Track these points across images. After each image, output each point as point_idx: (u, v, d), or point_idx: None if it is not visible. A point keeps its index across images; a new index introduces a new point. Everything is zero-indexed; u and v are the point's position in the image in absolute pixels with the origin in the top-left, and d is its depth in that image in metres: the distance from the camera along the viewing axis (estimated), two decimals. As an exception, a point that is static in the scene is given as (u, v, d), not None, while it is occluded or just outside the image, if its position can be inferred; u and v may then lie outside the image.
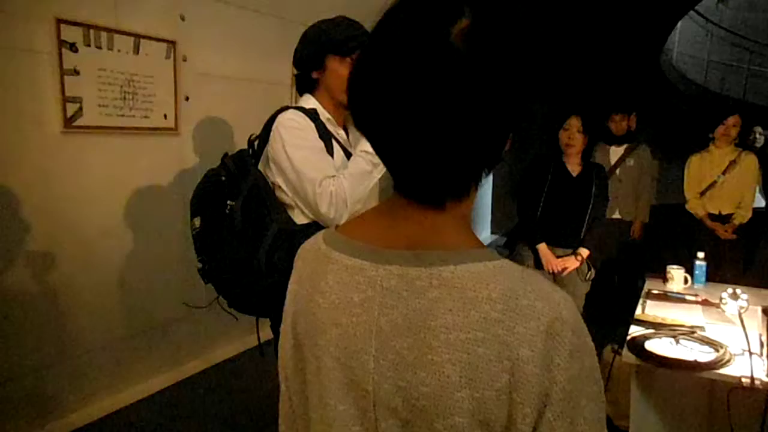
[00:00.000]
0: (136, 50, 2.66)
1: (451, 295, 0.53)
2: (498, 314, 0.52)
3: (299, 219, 1.57)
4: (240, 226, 1.51)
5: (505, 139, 0.58)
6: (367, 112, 0.57)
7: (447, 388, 0.52)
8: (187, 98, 2.95)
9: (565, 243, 2.85)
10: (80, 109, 2.44)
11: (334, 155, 1.59)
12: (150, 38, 2.71)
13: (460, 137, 0.53)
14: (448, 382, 0.52)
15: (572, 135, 2.79)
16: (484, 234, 7.36)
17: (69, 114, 2.40)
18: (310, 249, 0.68)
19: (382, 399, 0.57)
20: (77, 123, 2.44)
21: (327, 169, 1.52)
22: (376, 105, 0.55)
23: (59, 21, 2.31)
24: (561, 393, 0.52)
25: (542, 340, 0.51)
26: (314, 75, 1.64)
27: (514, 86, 0.55)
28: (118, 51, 2.57)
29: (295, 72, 1.70)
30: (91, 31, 2.45)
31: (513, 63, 0.55)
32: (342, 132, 1.70)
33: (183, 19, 2.88)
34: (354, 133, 1.74)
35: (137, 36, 2.65)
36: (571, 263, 2.80)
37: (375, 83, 0.55)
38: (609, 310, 3.15)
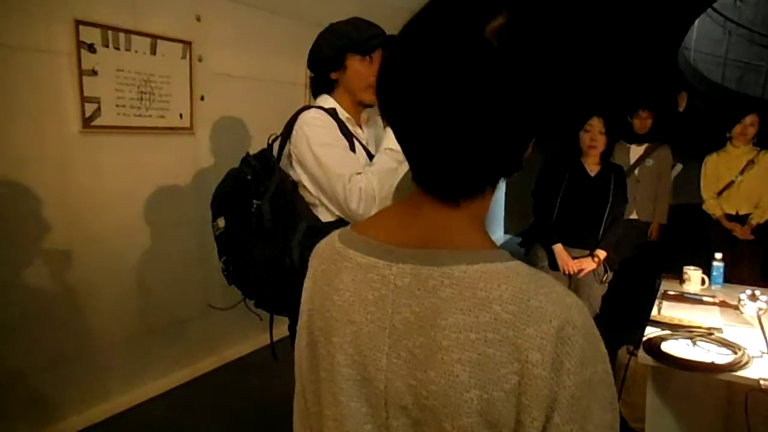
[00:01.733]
0: (153, 51, 2.69)
1: (463, 294, 0.54)
2: (509, 315, 0.52)
3: (323, 216, 1.58)
4: (269, 224, 1.50)
5: (526, 143, 0.58)
6: (395, 102, 0.58)
7: (456, 388, 0.53)
8: (202, 98, 2.98)
9: (582, 244, 2.83)
10: (98, 109, 2.48)
11: (356, 154, 1.59)
12: (166, 39, 2.74)
13: (483, 132, 0.54)
14: (457, 381, 0.53)
15: (594, 136, 2.76)
16: (498, 234, 7.33)
17: (87, 114, 2.44)
18: (325, 247, 0.68)
19: (393, 397, 0.57)
20: (95, 123, 2.48)
21: (354, 166, 1.53)
22: (405, 94, 0.56)
23: (78, 22, 2.35)
24: (570, 398, 0.51)
25: (552, 343, 0.51)
26: (333, 76, 1.64)
27: (543, 88, 0.55)
28: (136, 51, 2.61)
29: (311, 74, 1.70)
30: (109, 32, 2.48)
31: (545, 64, 0.55)
32: (360, 131, 1.70)
33: (199, 19, 2.91)
34: (372, 132, 1.74)
35: (154, 37, 2.68)
36: (588, 264, 2.78)
37: (406, 75, 0.55)
38: (625, 311, 3.12)
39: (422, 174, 0.59)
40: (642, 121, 3.79)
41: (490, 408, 0.52)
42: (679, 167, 4.33)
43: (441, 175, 0.58)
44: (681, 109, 4.36)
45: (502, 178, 0.60)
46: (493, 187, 0.60)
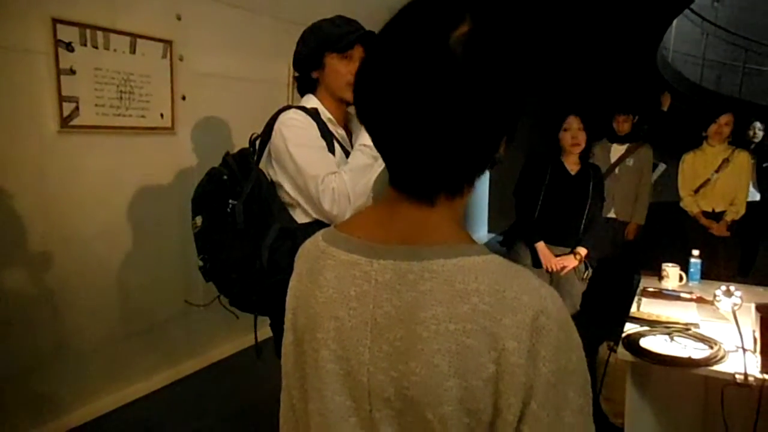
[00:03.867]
0: (133, 50, 2.66)
1: (441, 287, 0.55)
2: (486, 306, 0.54)
3: (300, 218, 1.58)
4: (242, 225, 1.51)
5: (497, 143, 0.60)
6: (369, 107, 0.60)
7: (436, 378, 0.54)
8: (183, 98, 2.95)
9: (563, 242, 2.86)
10: (77, 108, 2.44)
11: (335, 154, 1.59)
12: (146, 38, 2.71)
13: (453, 137, 0.56)
14: (437, 371, 0.54)
15: (575, 134, 2.79)
16: (481, 233, 7.37)
17: (65, 113, 2.40)
18: (309, 247, 0.70)
19: (376, 390, 0.58)
20: (74, 122, 2.44)
21: (329, 167, 1.53)
22: (378, 101, 0.58)
23: (55, 21, 2.31)
24: (546, 385, 0.53)
25: (528, 332, 0.53)
26: (314, 75, 1.65)
27: (507, 92, 0.57)
28: (115, 50, 2.57)
29: (296, 74, 1.70)
30: (87, 31, 2.44)
31: (508, 71, 0.57)
32: (342, 131, 1.70)
33: (179, 18, 2.88)
34: (355, 132, 1.74)
35: (134, 35, 2.65)
36: (570, 262, 2.81)
37: (378, 80, 0.58)
38: (604, 308, 3.16)
39: (397, 175, 0.61)
40: (620, 125, 3.84)
41: (469, 396, 0.54)
42: (662, 167, 4.40)
43: (414, 176, 0.60)
44: (665, 109, 4.43)
45: (478, 177, 0.62)
46: (470, 186, 0.62)
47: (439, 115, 0.54)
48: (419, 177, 0.59)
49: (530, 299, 0.54)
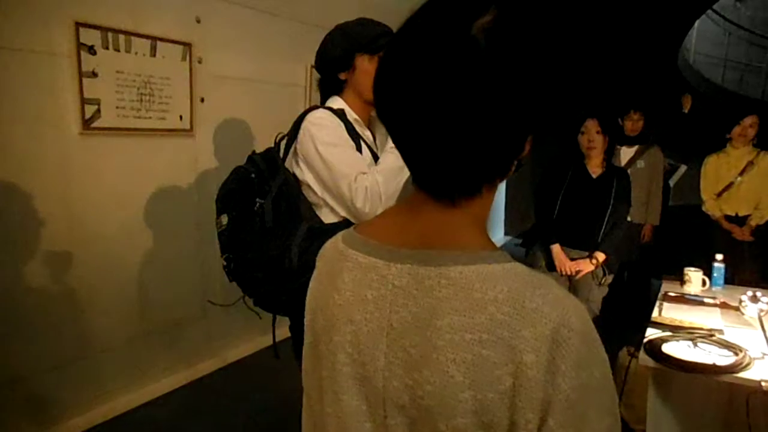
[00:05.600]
0: (153, 52, 2.69)
1: (458, 295, 0.54)
2: (504, 316, 0.52)
3: (327, 218, 1.58)
4: (270, 224, 1.50)
5: (521, 142, 0.58)
6: (389, 103, 0.58)
7: (451, 388, 0.53)
8: (202, 100, 2.98)
9: (581, 245, 2.82)
10: (98, 110, 2.48)
11: (363, 155, 1.59)
12: (166, 41, 2.74)
13: (475, 131, 0.53)
14: (452, 382, 0.53)
15: (592, 137, 2.76)
16: (498, 236, 7.33)
17: (87, 116, 2.44)
18: (329, 248, 0.69)
19: (391, 396, 0.57)
20: (95, 124, 2.48)
21: (360, 166, 1.52)
22: (397, 96, 0.56)
23: (78, 24, 2.35)
24: (565, 401, 0.51)
25: (547, 345, 0.51)
26: (342, 76, 1.63)
27: (532, 85, 0.55)
28: (136, 53, 2.61)
29: (318, 76, 1.70)
30: (109, 34, 2.48)
31: (533, 61, 0.54)
32: (368, 133, 1.70)
33: (198, 21, 2.91)
34: (380, 133, 1.74)
35: (154, 38, 2.68)
36: (585, 266, 2.77)
37: (398, 75, 0.56)
38: (624, 313, 3.11)
39: (418, 174, 0.60)
40: (633, 123, 3.78)
41: (484, 409, 0.52)
42: (683, 168, 4.33)
43: (436, 175, 0.58)
44: (686, 110, 4.36)
45: (500, 179, 0.59)
46: (491, 187, 0.59)
47: (461, 107, 0.52)
48: (440, 174, 0.57)
49: (552, 310, 0.52)
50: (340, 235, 0.68)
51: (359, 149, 1.58)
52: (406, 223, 0.61)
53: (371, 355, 0.59)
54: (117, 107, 2.56)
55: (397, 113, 0.58)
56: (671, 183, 4.45)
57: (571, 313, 0.53)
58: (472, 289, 0.53)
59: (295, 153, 1.60)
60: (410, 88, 0.54)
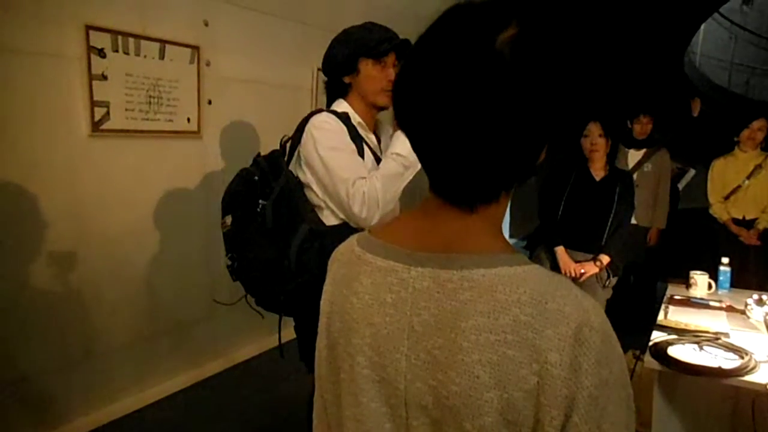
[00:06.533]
0: (162, 55, 2.71)
1: (482, 297, 0.55)
2: (527, 317, 0.53)
3: (329, 220, 1.59)
4: (271, 225, 1.53)
5: (539, 149, 0.59)
6: (411, 111, 0.59)
7: (477, 388, 0.54)
8: (209, 102, 3.00)
9: (586, 248, 2.83)
10: (107, 113, 2.50)
11: (365, 159, 1.60)
12: (175, 44, 2.76)
13: (497, 140, 0.55)
14: (477, 382, 0.54)
15: (594, 140, 2.78)
16: (503, 238, 7.31)
17: (96, 118, 2.46)
18: (344, 251, 0.70)
19: (413, 397, 0.58)
20: (104, 126, 2.50)
21: (359, 171, 1.54)
22: (420, 105, 0.57)
23: (88, 27, 2.38)
24: (588, 398, 0.52)
25: (570, 345, 0.52)
26: (346, 79, 1.66)
27: (554, 96, 0.56)
28: (145, 56, 2.63)
29: (325, 78, 1.72)
30: (119, 37, 2.51)
31: (555, 73, 0.56)
32: (372, 136, 1.71)
33: (207, 24, 2.93)
34: (385, 137, 1.75)
35: (163, 42, 2.70)
36: (590, 268, 2.78)
37: (420, 85, 0.57)
38: (630, 316, 3.11)
39: (438, 182, 0.61)
40: (642, 126, 3.80)
41: (509, 408, 0.53)
42: (692, 172, 4.33)
43: (456, 183, 0.59)
44: (695, 114, 4.36)
45: (518, 184, 0.61)
46: (508, 193, 0.61)
47: (485, 118, 0.53)
48: (460, 183, 0.59)
49: (573, 311, 0.54)
50: (354, 239, 0.69)
51: (361, 153, 1.60)
52: (423, 228, 0.62)
53: (392, 357, 0.60)
54: (126, 109, 2.58)
55: (418, 122, 0.59)
56: (680, 186, 4.44)
57: (591, 313, 0.55)
58: (496, 291, 0.55)
59: (299, 156, 1.62)
60: (433, 98, 0.55)
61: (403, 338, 0.59)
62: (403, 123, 0.61)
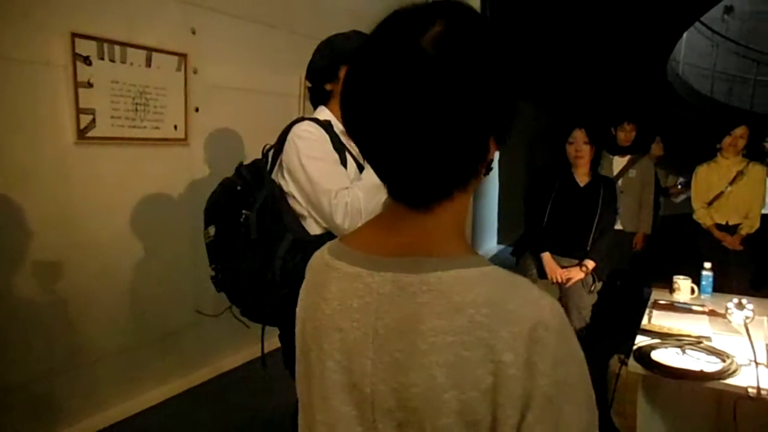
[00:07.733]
0: (148, 63, 2.71)
1: (439, 300, 0.56)
2: (483, 318, 0.54)
3: (312, 229, 1.60)
4: (255, 236, 1.52)
5: (481, 144, 0.59)
6: (354, 119, 0.61)
7: (435, 390, 0.55)
8: (197, 110, 3.00)
9: (571, 253, 2.86)
10: (93, 120, 2.49)
11: (347, 167, 1.61)
12: (162, 51, 2.76)
13: (433, 137, 0.55)
14: (436, 383, 0.55)
15: (579, 147, 2.81)
16: (491, 245, 7.36)
17: (82, 125, 2.45)
18: (317, 259, 0.71)
19: (379, 400, 0.59)
20: (90, 134, 2.49)
21: (342, 181, 1.54)
22: (360, 111, 0.59)
23: (74, 35, 2.37)
24: (543, 397, 0.53)
25: (524, 344, 0.53)
26: (328, 87, 1.67)
27: (484, 90, 0.56)
28: (131, 64, 2.63)
29: (309, 85, 1.73)
30: (105, 45, 2.50)
31: (483, 67, 0.56)
32: (354, 144, 1.72)
33: (194, 32, 2.94)
34: None
35: (149, 49, 2.70)
36: (576, 274, 2.80)
37: (358, 91, 0.59)
38: (615, 321, 3.14)
39: (390, 184, 0.62)
40: (626, 134, 3.86)
41: (467, 408, 0.54)
42: (682, 180, 4.41)
43: (406, 183, 0.60)
44: (660, 154, 4.47)
45: (471, 183, 0.61)
46: (463, 192, 0.61)
47: (417, 114, 0.54)
48: (409, 182, 0.60)
49: (528, 311, 0.54)
50: (326, 247, 0.71)
51: (344, 162, 1.60)
52: (386, 233, 0.63)
53: (359, 361, 0.60)
54: (112, 117, 2.57)
55: (361, 128, 0.60)
56: (676, 201, 4.51)
57: (547, 313, 0.55)
58: (452, 293, 0.56)
59: (281, 164, 1.62)
60: (370, 102, 0.57)
61: (368, 342, 0.60)
62: (349, 129, 0.63)
